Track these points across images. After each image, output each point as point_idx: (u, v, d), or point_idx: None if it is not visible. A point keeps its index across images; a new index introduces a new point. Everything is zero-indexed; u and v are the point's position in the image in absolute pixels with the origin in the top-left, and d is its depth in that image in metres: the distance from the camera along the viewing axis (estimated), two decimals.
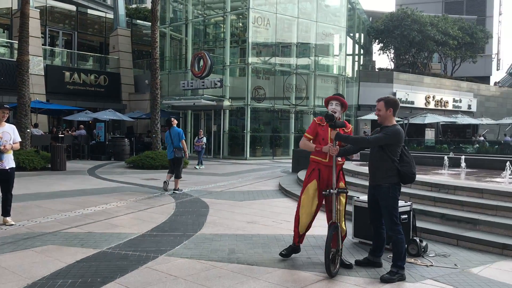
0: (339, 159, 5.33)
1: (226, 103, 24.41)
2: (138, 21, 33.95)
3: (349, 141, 5.15)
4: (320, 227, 7.40)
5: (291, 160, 17.01)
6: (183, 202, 9.79)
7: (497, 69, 58.90)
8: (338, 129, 5.04)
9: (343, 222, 5.38)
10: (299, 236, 5.56)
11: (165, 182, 11.29)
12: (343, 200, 5.33)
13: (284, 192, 11.25)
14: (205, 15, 27.42)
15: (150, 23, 20.46)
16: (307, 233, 6.84)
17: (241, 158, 23.62)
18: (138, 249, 5.90)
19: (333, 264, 4.91)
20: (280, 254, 5.60)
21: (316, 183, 5.35)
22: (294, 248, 5.63)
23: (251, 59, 24.41)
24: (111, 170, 16.80)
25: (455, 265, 5.40)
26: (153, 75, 18.84)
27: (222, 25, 27.71)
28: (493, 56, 51.38)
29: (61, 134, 22.50)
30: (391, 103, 5.04)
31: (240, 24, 28.47)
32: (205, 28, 28.75)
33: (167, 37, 28.71)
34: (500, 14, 62.11)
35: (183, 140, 11.13)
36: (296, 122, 26.37)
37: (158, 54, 19.26)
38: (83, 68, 28.69)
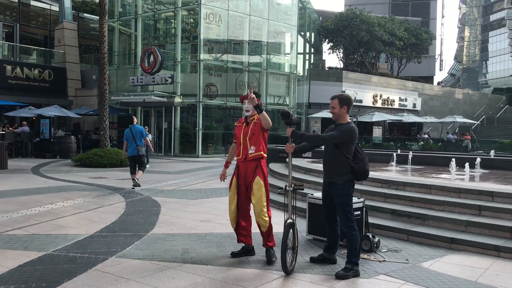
0: (253, 151, 5.30)
1: (177, 99, 24.03)
2: (85, 14, 32.79)
3: (305, 139, 5.15)
4: (274, 224, 7.40)
5: None
6: (134, 201, 9.52)
7: (440, 70, 61.64)
8: (293, 126, 5.01)
9: (263, 217, 5.24)
10: (237, 234, 5.56)
11: (134, 180, 11.30)
12: (256, 192, 5.23)
13: None
14: (155, 10, 26.85)
15: (98, 17, 19.76)
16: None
17: (193, 156, 23.35)
18: (86, 250, 5.65)
19: (289, 261, 4.89)
20: (231, 253, 5.54)
21: (236, 180, 5.46)
22: (246, 249, 5.56)
23: (203, 56, 24.17)
24: (56, 169, 16.12)
25: (407, 260, 5.52)
26: (101, 70, 18.23)
27: (173, 21, 27.25)
28: (436, 57, 53.65)
29: (2, 130, 21.37)
30: (345, 101, 5.08)
31: (192, 20, 28.14)
32: (155, 23, 28.19)
33: (115, 32, 27.91)
34: (442, 16, 65.02)
35: (147, 138, 11.54)
36: None
37: (106, 48, 18.65)
38: (26, 62, 27.36)
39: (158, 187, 11.78)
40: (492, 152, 14.34)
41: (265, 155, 5.46)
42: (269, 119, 5.27)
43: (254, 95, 5.19)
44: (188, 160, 21.55)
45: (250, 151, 5.34)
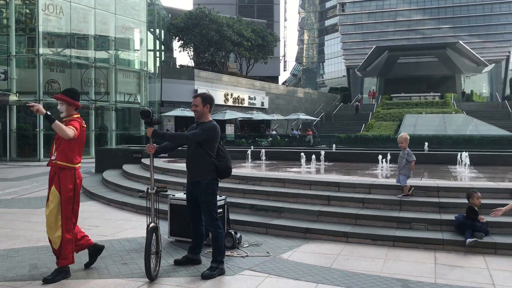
0: (54, 158, 4.76)
1: (13, 98, 21.64)
2: None
3: (167, 138, 4.97)
4: (132, 229, 7.09)
5: (93, 160, 15.98)
6: None
7: (284, 70, 65.86)
8: (155, 126, 4.80)
9: (53, 233, 4.72)
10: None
11: None
12: (50, 203, 4.74)
13: (89, 194, 10.44)
14: None
15: None
16: (120, 237, 6.49)
17: (33, 160, 21.28)
18: None
19: (153, 267, 4.68)
20: (85, 264, 5.11)
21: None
22: (93, 250, 5.12)
23: (43, 50, 22.13)
24: None
25: (268, 253, 5.71)
26: None
27: (4, 10, 24.40)
28: (280, 58, 57.04)
29: None
30: (208, 100, 5.03)
31: (27, 11, 25.51)
32: None
33: None
34: (285, 20, 69.45)
35: None
36: (97, 118, 24.97)
37: None
38: None
39: None
40: (334, 146, 15.73)
41: (69, 165, 4.73)
42: (65, 130, 4.56)
43: (39, 106, 4.55)
44: (28, 164, 19.54)
45: (52, 157, 4.79)
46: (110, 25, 25.78)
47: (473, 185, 7.26)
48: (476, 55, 50.99)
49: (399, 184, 7.08)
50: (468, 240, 5.62)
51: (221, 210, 6.09)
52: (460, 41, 49.23)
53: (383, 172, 10.22)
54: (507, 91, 55.30)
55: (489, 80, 69.57)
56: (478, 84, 68.41)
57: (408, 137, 7.31)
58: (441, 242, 5.81)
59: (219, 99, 32.18)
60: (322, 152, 12.32)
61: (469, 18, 62.44)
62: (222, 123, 29.05)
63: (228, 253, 5.57)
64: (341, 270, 5.02)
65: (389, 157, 10.89)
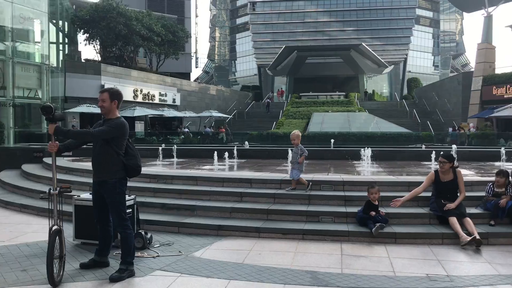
0: None
1: None
2: None
3: (71, 136, 4.68)
4: (33, 233, 6.66)
5: None
6: None
7: (196, 67, 65.29)
8: (57, 122, 4.50)
9: None
10: None
11: None
12: None
13: None
14: None
15: None
16: (18, 242, 6.06)
17: None
18: None
19: (56, 272, 4.40)
20: None
21: None
22: None
23: None
24: None
25: (180, 252, 5.62)
26: None
27: None
28: (192, 54, 56.54)
29: None
30: (116, 95, 4.82)
31: None
32: None
33: None
34: (196, 16, 68.88)
35: None
36: None
37: None
38: None
39: None
40: (246, 143, 15.89)
41: None
42: None
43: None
44: None
45: None
46: (6, 14, 23.84)
47: (375, 179, 7.72)
48: (378, 56, 54.21)
49: (292, 178, 7.37)
50: (373, 229, 5.95)
51: (131, 210, 5.90)
52: (363, 43, 52.00)
53: None
54: (405, 91, 59.53)
55: (389, 80, 74.34)
56: (379, 84, 72.78)
57: (300, 134, 7.69)
58: (346, 234, 6.09)
59: (128, 95, 31.10)
60: (235, 149, 12.39)
61: (371, 21, 66.24)
62: (132, 120, 28.12)
63: (138, 254, 5.40)
64: (253, 266, 5.08)
65: None
